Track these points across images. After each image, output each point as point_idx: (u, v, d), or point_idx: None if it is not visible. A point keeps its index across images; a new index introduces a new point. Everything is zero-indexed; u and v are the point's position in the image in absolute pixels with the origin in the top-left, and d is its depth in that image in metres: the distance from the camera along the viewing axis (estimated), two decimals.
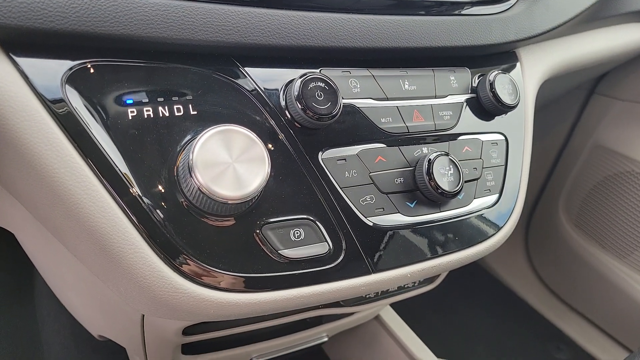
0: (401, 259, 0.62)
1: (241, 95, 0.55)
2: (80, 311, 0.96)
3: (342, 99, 0.58)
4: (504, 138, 0.75)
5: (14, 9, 0.42)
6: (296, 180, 0.56)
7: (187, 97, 0.52)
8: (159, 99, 0.50)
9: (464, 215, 0.68)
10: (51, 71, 0.46)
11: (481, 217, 0.70)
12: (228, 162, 0.48)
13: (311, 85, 0.55)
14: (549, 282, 1.73)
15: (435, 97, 0.69)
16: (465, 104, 0.72)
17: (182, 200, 0.50)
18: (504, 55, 0.80)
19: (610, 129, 1.43)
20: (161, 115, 0.50)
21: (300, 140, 0.57)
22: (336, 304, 0.90)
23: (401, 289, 0.94)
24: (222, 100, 0.54)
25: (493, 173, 0.72)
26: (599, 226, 1.47)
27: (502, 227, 0.72)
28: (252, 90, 0.55)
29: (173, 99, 0.51)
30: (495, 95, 0.71)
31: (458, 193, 0.63)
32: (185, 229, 0.50)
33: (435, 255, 0.65)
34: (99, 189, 0.47)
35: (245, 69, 0.56)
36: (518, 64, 0.81)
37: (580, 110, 1.52)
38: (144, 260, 0.49)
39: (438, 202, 0.65)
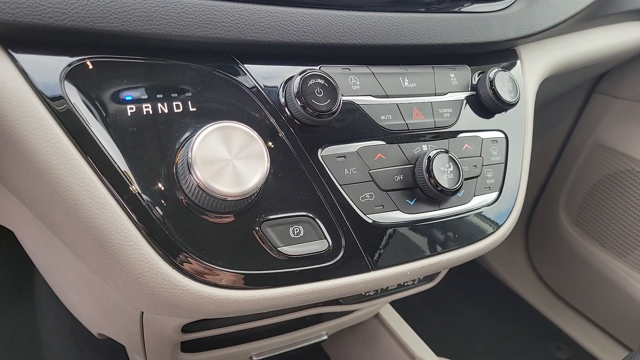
0: (400, 257, 0.62)
1: (240, 92, 0.55)
2: (79, 309, 0.96)
3: (342, 96, 0.58)
4: (503, 136, 0.75)
5: (12, 5, 0.42)
6: (295, 177, 0.56)
7: (186, 94, 0.52)
8: (158, 96, 0.50)
9: (464, 213, 0.68)
10: (50, 67, 0.46)
11: (481, 215, 0.70)
12: (227, 159, 0.48)
13: (311, 82, 0.55)
14: (549, 281, 1.73)
15: (435, 95, 0.69)
16: (465, 101, 0.72)
17: (181, 197, 0.49)
18: (504, 53, 0.80)
19: (610, 128, 1.43)
20: (160, 112, 0.50)
21: (299, 137, 0.57)
22: (336, 302, 0.90)
23: (401, 287, 0.94)
24: (221, 97, 0.53)
25: (493, 171, 0.72)
26: (599, 225, 1.47)
27: (501, 225, 0.72)
28: (252, 87, 0.55)
29: (172, 95, 0.51)
30: (495, 92, 0.71)
31: (458, 190, 0.63)
32: (184, 226, 0.50)
33: (434, 252, 0.65)
34: (97, 185, 0.47)
35: (245, 65, 0.56)
36: (518, 62, 0.81)
37: (580, 109, 1.52)
38: (142, 257, 0.48)
39: (438, 199, 0.65)
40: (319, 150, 0.58)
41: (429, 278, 0.98)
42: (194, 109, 0.52)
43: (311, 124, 0.57)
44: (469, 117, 0.71)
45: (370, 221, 0.60)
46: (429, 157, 0.62)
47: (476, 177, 0.70)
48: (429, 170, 0.62)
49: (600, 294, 1.51)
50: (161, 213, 0.49)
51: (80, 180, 0.47)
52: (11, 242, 0.98)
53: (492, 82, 0.71)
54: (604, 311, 1.54)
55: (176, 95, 0.51)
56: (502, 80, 0.71)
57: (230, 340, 0.93)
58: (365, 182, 0.60)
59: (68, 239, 0.56)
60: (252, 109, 0.55)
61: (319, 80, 0.55)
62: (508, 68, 0.78)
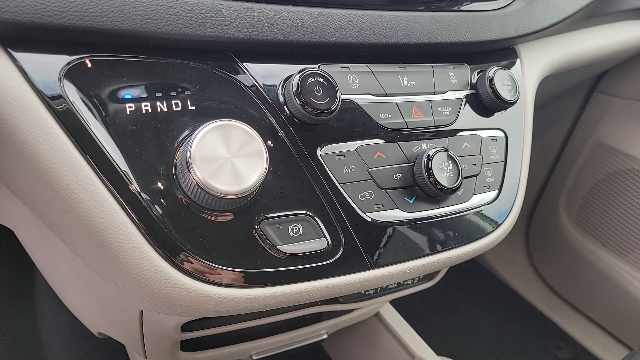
0: (400, 255, 0.62)
1: (240, 90, 0.55)
2: (79, 308, 0.96)
3: (341, 94, 0.58)
4: (503, 134, 0.75)
5: (12, 4, 0.42)
6: (295, 175, 0.56)
7: (186, 93, 0.52)
8: (157, 94, 0.50)
9: (463, 211, 0.68)
10: (49, 66, 0.46)
11: (480, 213, 0.70)
12: (226, 157, 0.48)
13: (310, 81, 0.55)
14: (550, 280, 1.72)
15: (435, 93, 0.69)
16: (464, 100, 0.72)
17: (181, 195, 0.49)
18: (503, 52, 0.80)
19: (610, 127, 1.43)
20: (159, 110, 0.50)
21: (298, 136, 0.57)
22: (335, 301, 0.90)
23: (401, 286, 0.94)
24: (220, 95, 0.53)
25: (492, 169, 0.72)
26: (600, 224, 1.47)
27: (501, 223, 0.72)
28: (251, 86, 0.55)
29: (171, 94, 0.51)
30: (494, 91, 0.71)
31: (457, 189, 0.63)
32: (184, 224, 0.50)
33: (434, 251, 0.65)
34: (96, 184, 0.47)
35: (244, 64, 0.56)
36: (517, 60, 0.81)
37: (580, 108, 1.52)
38: (142, 255, 0.48)
39: (437, 198, 0.65)
40: (318, 148, 0.58)
41: (429, 277, 0.98)
42: (193, 108, 0.52)
43: (310, 123, 0.57)
44: (468, 116, 0.71)
45: (370, 220, 0.60)
46: (429, 155, 0.62)
47: (476, 175, 0.70)
48: (429, 168, 0.61)
49: (600, 293, 1.50)
50: (160, 211, 0.49)
51: (79, 179, 0.47)
52: (11, 242, 0.98)
53: (491, 80, 0.71)
54: (605, 310, 1.54)
55: (175, 93, 0.51)
56: (501, 79, 0.71)
57: (230, 339, 0.93)
58: (365, 181, 0.60)
59: (67, 238, 0.56)
60: (251, 107, 0.55)
61: (318, 79, 0.55)
62: (507, 67, 0.78)
